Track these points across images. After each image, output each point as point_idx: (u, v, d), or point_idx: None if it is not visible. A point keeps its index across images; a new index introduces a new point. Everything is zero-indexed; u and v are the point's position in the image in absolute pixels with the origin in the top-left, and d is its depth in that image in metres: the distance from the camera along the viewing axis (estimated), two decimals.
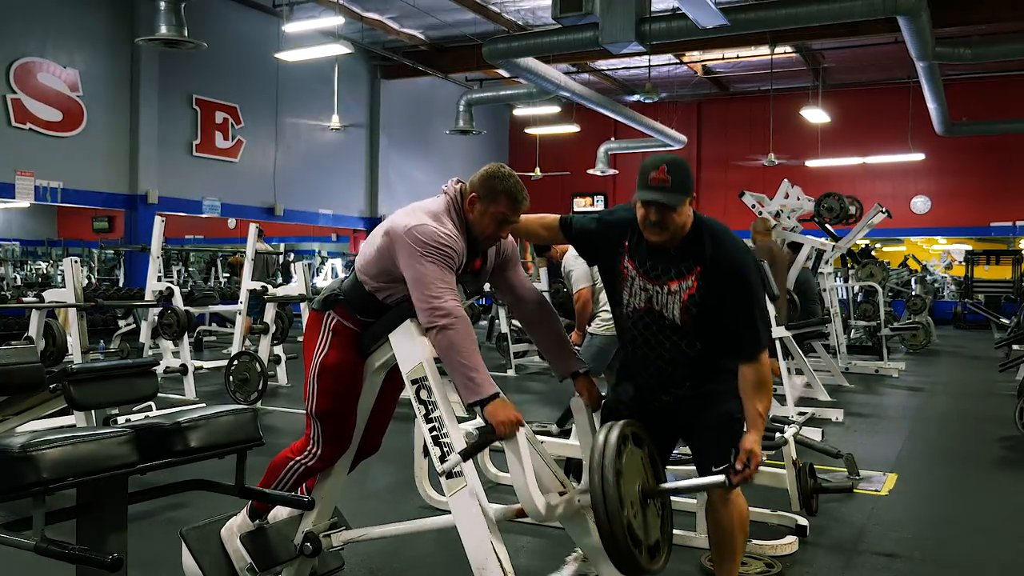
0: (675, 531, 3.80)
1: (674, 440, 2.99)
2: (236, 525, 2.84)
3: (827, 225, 9.85)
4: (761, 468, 3.92)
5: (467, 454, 2.46)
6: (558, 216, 3.00)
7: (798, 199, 8.95)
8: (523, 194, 2.70)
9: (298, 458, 2.82)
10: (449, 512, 2.54)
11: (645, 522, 2.50)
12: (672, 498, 4.29)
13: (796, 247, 8.40)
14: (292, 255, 17.24)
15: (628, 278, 2.76)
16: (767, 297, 6.85)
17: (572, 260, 5.44)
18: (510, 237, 2.88)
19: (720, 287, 2.66)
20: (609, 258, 2.83)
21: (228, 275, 15.25)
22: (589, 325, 5.37)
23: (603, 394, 2.98)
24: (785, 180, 8.94)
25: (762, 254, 6.87)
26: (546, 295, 9.93)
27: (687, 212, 2.65)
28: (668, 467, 3.76)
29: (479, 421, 2.57)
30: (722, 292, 2.66)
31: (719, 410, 2.75)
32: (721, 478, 2.57)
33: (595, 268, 4.32)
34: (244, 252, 8.33)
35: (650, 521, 2.55)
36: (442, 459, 2.49)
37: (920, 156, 17.48)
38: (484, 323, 12.80)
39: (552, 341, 2.96)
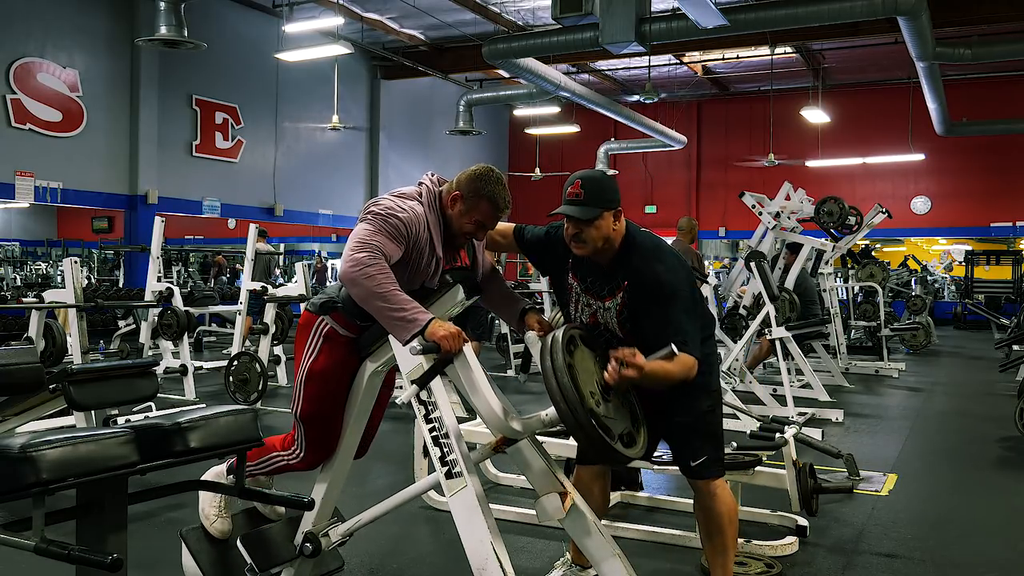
0: (674, 531, 3.83)
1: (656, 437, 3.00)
2: (214, 473, 2.88)
3: (831, 229, 9.86)
4: (761, 468, 3.95)
5: (423, 381, 2.48)
6: (514, 225, 3.04)
7: (800, 202, 8.94)
8: (505, 202, 2.69)
9: (282, 452, 2.84)
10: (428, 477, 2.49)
11: (610, 413, 2.47)
12: (669, 497, 4.28)
13: (795, 247, 8.41)
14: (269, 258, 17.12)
15: (574, 293, 2.85)
16: (767, 297, 6.91)
17: None
18: None
19: (642, 298, 2.70)
20: (557, 272, 2.92)
21: (205, 275, 15.00)
22: None
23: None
24: (787, 182, 8.94)
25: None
26: (547, 295, 10.07)
27: (609, 226, 2.69)
28: (656, 467, 3.77)
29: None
30: (644, 303, 2.69)
31: (689, 405, 2.82)
32: (672, 348, 2.48)
33: None
34: (228, 252, 8.33)
35: (616, 412, 2.51)
36: (442, 460, 2.49)
37: (920, 156, 17.47)
38: None
39: (500, 295, 3.04)
